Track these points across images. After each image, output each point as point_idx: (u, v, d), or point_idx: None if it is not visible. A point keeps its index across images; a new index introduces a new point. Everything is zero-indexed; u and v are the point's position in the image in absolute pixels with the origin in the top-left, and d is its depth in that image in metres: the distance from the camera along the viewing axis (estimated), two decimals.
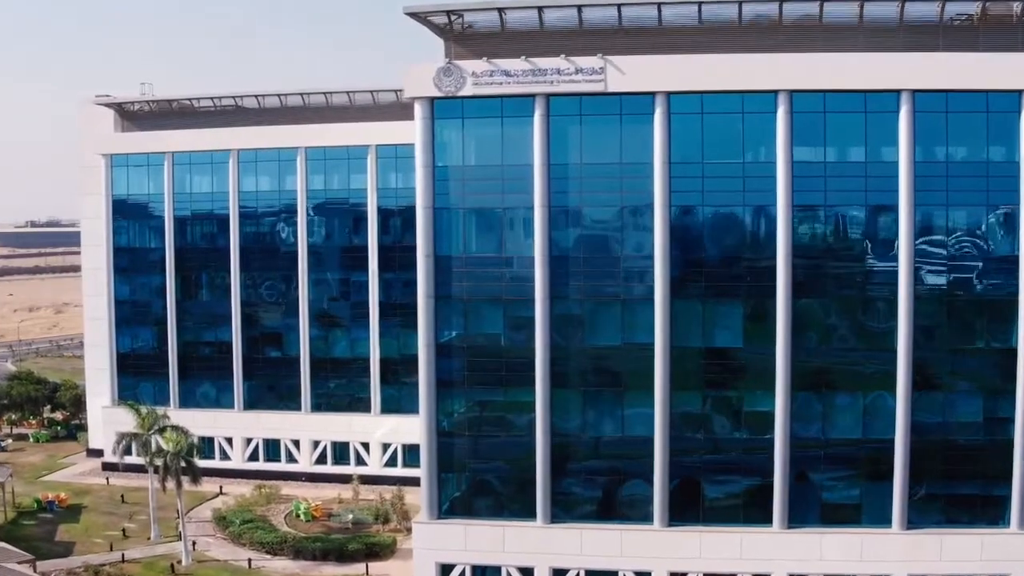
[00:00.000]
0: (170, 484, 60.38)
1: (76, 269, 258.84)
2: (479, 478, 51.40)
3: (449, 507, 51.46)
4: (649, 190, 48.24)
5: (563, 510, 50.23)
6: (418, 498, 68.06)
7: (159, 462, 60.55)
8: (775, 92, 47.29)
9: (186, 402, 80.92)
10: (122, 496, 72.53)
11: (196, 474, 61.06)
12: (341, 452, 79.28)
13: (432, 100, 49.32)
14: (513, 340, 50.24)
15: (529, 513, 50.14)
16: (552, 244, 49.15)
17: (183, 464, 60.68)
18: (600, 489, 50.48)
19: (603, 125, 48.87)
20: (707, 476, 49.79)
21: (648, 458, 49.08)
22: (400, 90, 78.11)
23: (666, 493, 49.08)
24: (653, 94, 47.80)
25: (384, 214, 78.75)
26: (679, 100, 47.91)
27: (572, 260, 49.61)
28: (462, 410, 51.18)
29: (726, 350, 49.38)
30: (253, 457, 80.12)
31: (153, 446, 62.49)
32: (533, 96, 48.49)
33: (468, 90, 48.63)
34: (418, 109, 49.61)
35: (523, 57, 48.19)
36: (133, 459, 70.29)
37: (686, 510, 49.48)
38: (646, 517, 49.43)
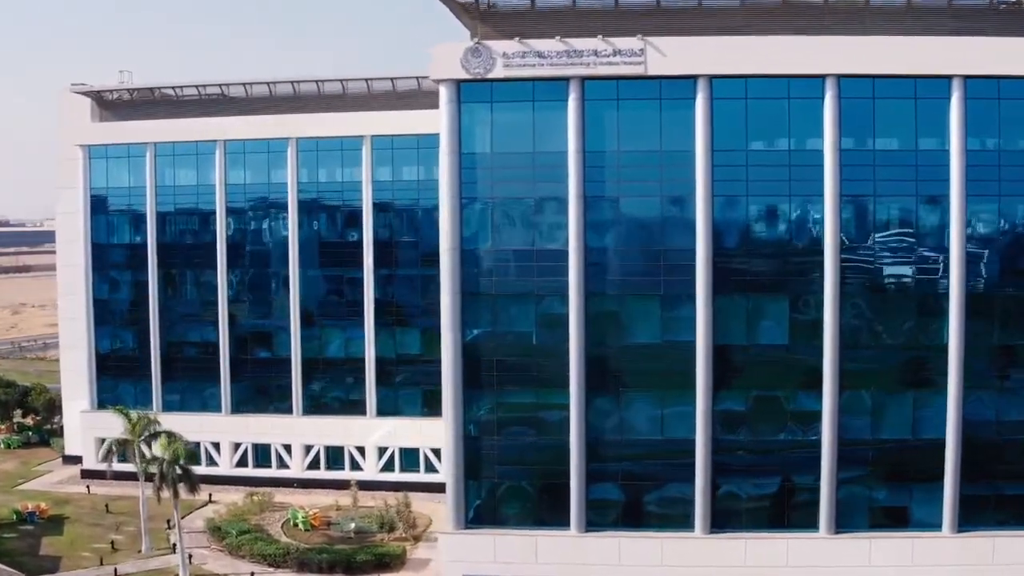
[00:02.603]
0: (165, 493, 56.60)
1: (29, 269, 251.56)
2: (508, 484, 48.57)
3: (476, 516, 48.57)
4: (690, 179, 45.84)
5: (598, 517, 47.67)
6: (423, 505, 65.62)
7: (154, 470, 56.72)
8: (823, 77, 45.13)
9: (170, 405, 76.83)
10: (106, 506, 68.43)
11: (194, 483, 57.36)
12: (335, 457, 75.80)
13: (459, 83, 46.45)
14: (545, 338, 47.52)
15: (562, 521, 47.51)
16: (587, 236, 46.53)
17: (179, 472, 56.93)
18: (638, 495, 47.87)
19: (642, 110, 46.34)
20: (751, 479, 47.51)
21: (689, 461, 46.68)
22: (395, 78, 75.84)
23: (708, 498, 46.72)
24: (695, 78, 45.38)
25: (380, 208, 75.42)
26: (722, 84, 45.56)
27: (608, 253, 47.08)
28: (490, 413, 48.33)
29: (770, 347, 47.10)
30: (242, 463, 76.29)
31: (147, 453, 58.69)
32: (568, 79, 45.80)
33: (498, 72, 45.82)
34: (443, 92, 46.71)
35: (557, 37, 45.47)
36: (115, 466, 66.49)
37: (729, 516, 47.19)
38: (687, 524, 47.03)
